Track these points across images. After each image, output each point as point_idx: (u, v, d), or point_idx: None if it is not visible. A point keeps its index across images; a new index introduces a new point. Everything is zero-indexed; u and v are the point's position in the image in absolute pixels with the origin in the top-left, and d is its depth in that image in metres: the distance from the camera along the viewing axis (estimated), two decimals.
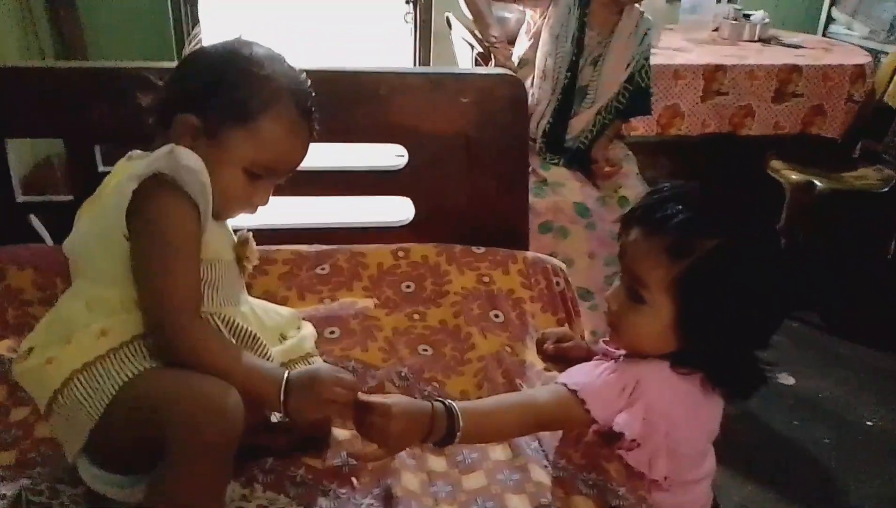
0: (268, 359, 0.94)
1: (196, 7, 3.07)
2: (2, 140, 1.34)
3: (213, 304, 0.92)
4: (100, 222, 0.89)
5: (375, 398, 0.88)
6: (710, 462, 1.01)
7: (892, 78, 2.81)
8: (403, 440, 0.88)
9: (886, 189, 2.68)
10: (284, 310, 1.08)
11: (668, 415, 0.90)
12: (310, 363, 1.01)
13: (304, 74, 0.97)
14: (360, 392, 0.89)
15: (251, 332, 0.94)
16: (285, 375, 0.86)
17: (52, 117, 1.32)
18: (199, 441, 0.77)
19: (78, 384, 0.82)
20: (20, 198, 1.38)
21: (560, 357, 1.22)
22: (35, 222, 1.40)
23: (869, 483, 1.93)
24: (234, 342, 0.91)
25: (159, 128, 0.92)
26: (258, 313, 1.00)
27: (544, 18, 2.15)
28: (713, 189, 0.94)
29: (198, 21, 3.07)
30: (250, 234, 1.01)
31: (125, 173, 0.88)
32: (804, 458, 2.02)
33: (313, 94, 0.97)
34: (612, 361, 0.99)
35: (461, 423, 0.87)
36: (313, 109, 0.96)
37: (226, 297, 0.95)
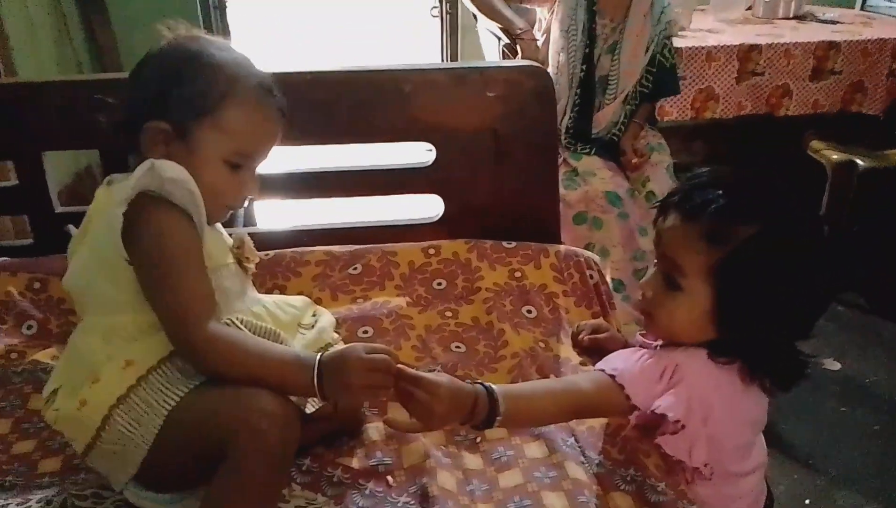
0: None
1: (225, 12, 3.11)
2: (39, 153, 1.37)
3: (225, 310, 0.92)
4: (97, 252, 0.89)
5: (423, 375, 0.86)
6: (759, 455, 0.99)
7: None
8: (446, 420, 0.87)
9: None
10: (297, 300, 1.08)
11: (707, 401, 0.89)
12: None
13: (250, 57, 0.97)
14: (405, 368, 0.87)
15: (270, 329, 0.94)
16: (317, 359, 0.85)
17: (88, 129, 1.35)
18: (261, 449, 0.79)
19: (119, 419, 0.83)
20: (58, 209, 1.42)
21: (596, 349, 1.21)
22: (73, 231, 1.43)
23: None
24: (256, 338, 0.91)
25: (131, 144, 0.91)
26: (271, 309, 1.01)
27: (553, 13, 2.12)
28: (752, 174, 0.92)
29: (228, 26, 3.11)
30: (245, 234, 1.02)
31: (109, 200, 0.88)
32: (853, 445, 1.97)
33: (269, 72, 0.96)
34: (650, 349, 0.97)
35: (502, 407, 0.86)
36: (273, 87, 0.94)
37: (235, 301, 0.95)
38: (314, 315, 1.07)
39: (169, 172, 0.85)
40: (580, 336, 1.23)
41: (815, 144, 2.77)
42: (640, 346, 1.02)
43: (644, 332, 1.05)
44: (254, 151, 0.94)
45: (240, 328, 0.90)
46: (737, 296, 0.86)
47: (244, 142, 0.92)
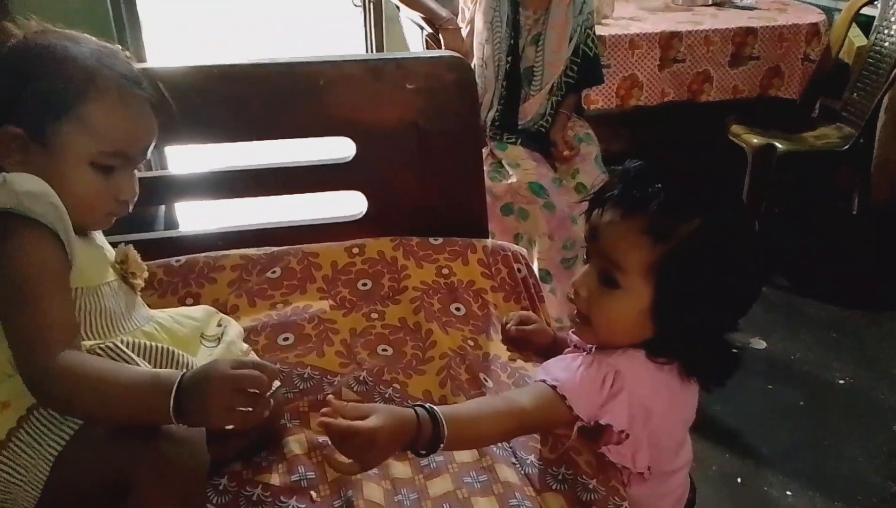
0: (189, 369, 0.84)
1: (134, 4, 2.96)
2: None
3: (108, 333, 0.85)
4: None
5: (360, 425, 0.76)
6: (687, 452, 0.99)
7: (846, 35, 2.80)
8: (386, 455, 0.81)
9: (847, 147, 2.68)
10: (197, 310, 1.01)
11: (647, 405, 0.87)
12: None
13: (112, 44, 0.89)
14: (333, 422, 0.76)
15: (163, 349, 0.86)
16: (177, 379, 0.72)
17: None
18: (168, 478, 0.73)
19: (2, 468, 0.75)
20: None
21: (523, 341, 1.19)
22: None
23: (845, 443, 1.94)
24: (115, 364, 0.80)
25: None
26: (167, 325, 0.93)
27: (476, 4, 2.10)
28: (685, 167, 0.90)
29: (137, 18, 2.96)
30: (129, 247, 0.94)
31: None
32: (780, 423, 2.02)
33: (128, 61, 0.88)
34: (586, 352, 0.95)
35: (446, 431, 0.81)
36: (140, 78, 0.86)
37: (120, 321, 0.88)
38: (220, 325, 1.00)
39: (25, 186, 0.76)
40: (507, 326, 1.21)
41: (736, 128, 2.83)
42: (575, 346, 1.00)
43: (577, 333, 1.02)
44: (123, 150, 0.85)
45: (116, 355, 0.81)
46: (678, 292, 0.84)
47: (111, 141, 0.83)
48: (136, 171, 0.90)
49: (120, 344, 0.83)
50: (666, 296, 0.85)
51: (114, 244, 0.96)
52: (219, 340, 0.97)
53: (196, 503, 0.82)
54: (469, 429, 0.85)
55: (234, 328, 1.01)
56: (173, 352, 0.87)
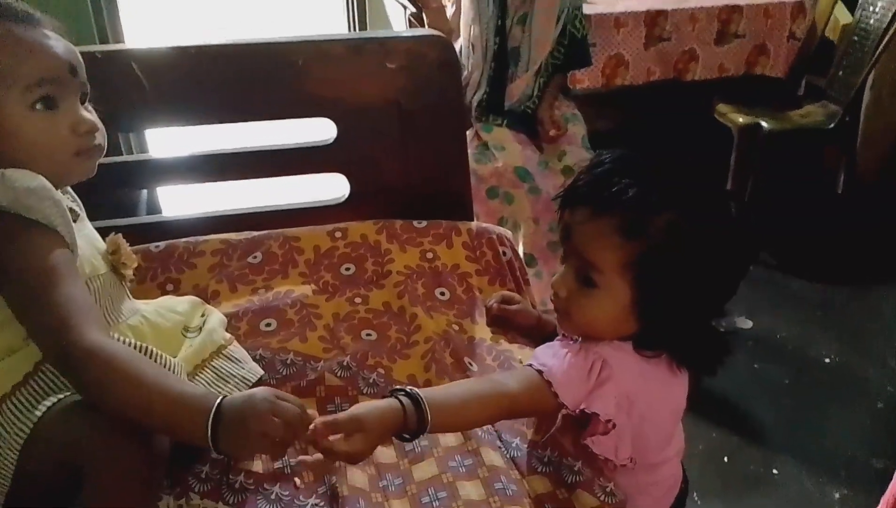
0: (172, 371, 0.84)
1: None
2: None
3: None
4: None
5: (341, 415, 0.77)
6: (678, 442, 0.98)
7: (831, 12, 2.79)
8: (375, 443, 0.80)
9: (832, 125, 2.68)
10: (182, 302, 0.98)
11: (633, 397, 0.86)
12: (226, 357, 0.94)
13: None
14: (319, 420, 0.77)
15: (145, 348, 0.84)
16: (217, 401, 0.72)
17: None
18: (119, 465, 0.71)
19: None
20: None
21: (506, 320, 1.18)
22: None
23: (830, 420, 1.95)
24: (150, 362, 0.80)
25: None
26: (152, 319, 0.91)
27: None
28: (655, 156, 0.87)
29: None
30: (119, 236, 0.92)
31: None
32: (766, 401, 2.03)
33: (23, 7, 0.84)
34: (573, 341, 0.93)
35: (430, 416, 0.80)
36: (28, 14, 0.83)
37: (108, 315, 0.86)
38: (203, 316, 0.99)
39: (22, 182, 0.75)
40: (489, 303, 1.20)
41: (722, 107, 2.82)
42: (564, 335, 0.99)
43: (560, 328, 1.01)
44: (47, 75, 0.80)
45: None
46: (657, 287, 0.83)
47: (29, 73, 0.79)
48: (89, 107, 0.86)
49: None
50: (645, 292, 0.83)
51: (102, 232, 0.94)
52: (200, 329, 0.96)
53: (152, 488, 0.80)
54: (454, 413, 0.84)
55: (216, 317, 0.99)
56: (155, 353, 0.83)
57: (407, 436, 0.82)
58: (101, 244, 0.91)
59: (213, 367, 0.93)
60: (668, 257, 0.81)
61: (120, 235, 0.93)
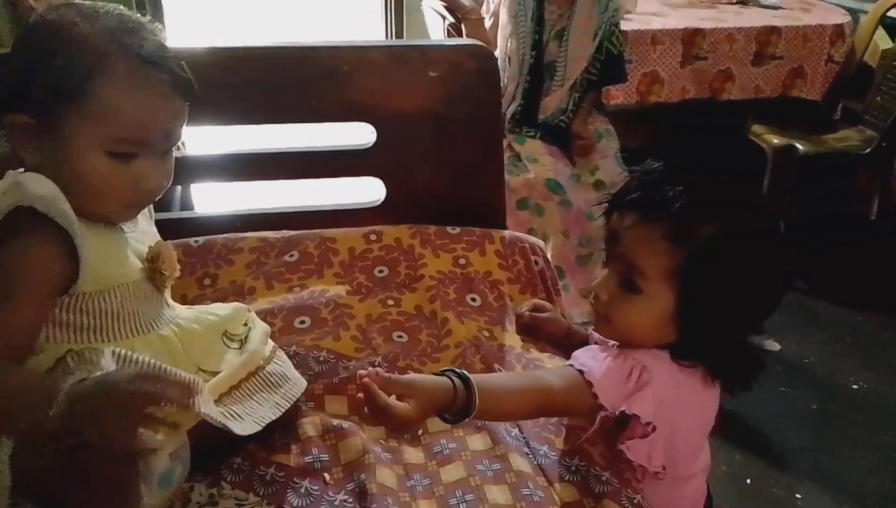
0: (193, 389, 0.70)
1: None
2: None
3: (120, 335, 0.81)
4: None
5: (397, 407, 0.77)
6: (705, 457, 0.98)
7: (871, 37, 2.77)
8: (417, 428, 0.82)
9: (868, 150, 2.65)
10: (223, 308, 0.96)
11: (670, 405, 0.86)
12: (264, 378, 0.92)
13: (140, 18, 0.82)
14: (374, 370, 0.78)
15: (154, 364, 0.74)
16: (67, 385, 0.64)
17: None
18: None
19: None
20: None
21: (536, 328, 1.19)
22: None
23: (856, 447, 1.93)
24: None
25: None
26: (185, 325, 0.89)
27: None
28: (706, 168, 0.88)
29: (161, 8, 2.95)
30: (164, 245, 0.89)
31: None
32: (792, 425, 2.01)
33: (156, 35, 0.81)
34: (611, 348, 0.94)
35: (477, 401, 0.81)
36: (160, 57, 0.79)
37: (136, 323, 0.84)
38: (246, 324, 0.96)
39: (37, 189, 0.74)
40: (520, 310, 1.20)
41: (756, 128, 2.81)
42: (597, 344, 0.99)
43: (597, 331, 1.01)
44: (138, 136, 0.78)
45: (89, 362, 0.75)
46: (701, 297, 0.83)
47: (124, 127, 0.77)
48: (171, 154, 0.84)
49: (105, 352, 0.75)
50: (688, 301, 0.84)
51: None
52: (242, 342, 0.94)
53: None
54: (497, 402, 0.85)
55: (259, 331, 0.96)
56: (167, 370, 0.72)
57: (450, 417, 0.82)
58: (143, 249, 0.87)
59: (256, 381, 0.91)
60: (714, 266, 0.82)
61: (167, 243, 0.90)
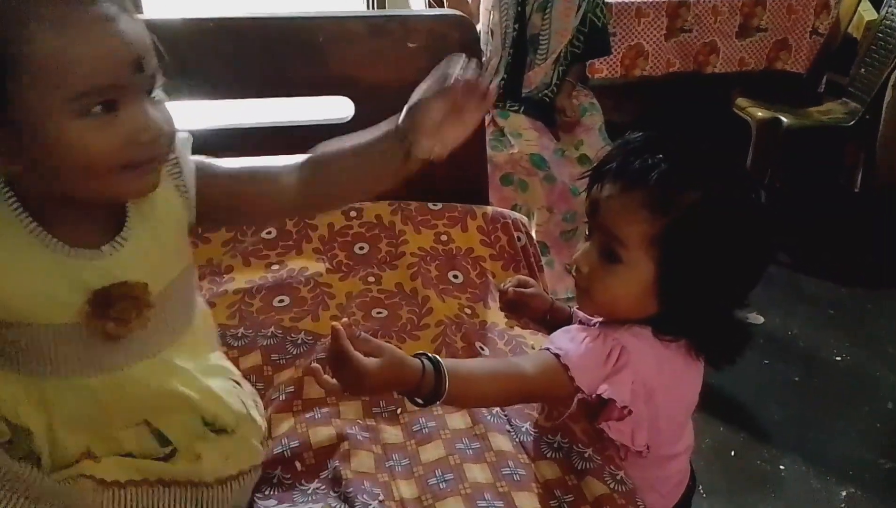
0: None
1: None
2: None
3: (21, 371, 0.71)
4: None
5: (359, 359, 0.73)
6: (689, 437, 0.97)
7: (856, 9, 2.75)
8: (372, 394, 0.79)
9: (852, 123, 2.65)
10: (218, 383, 0.84)
11: (650, 384, 0.85)
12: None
13: None
14: (346, 321, 0.73)
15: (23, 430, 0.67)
16: None
17: None
18: None
19: None
20: None
21: (520, 304, 1.17)
22: None
23: (840, 420, 1.94)
24: None
25: None
26: (138, 378, 0.74)
27: None
28: (687, 137, 0.86)
29: None
30: (135, 285, 0.71)
31: None
32: (775, 397, 2.02)
33: None
34: (592, 326, 0.92)
35: (448, 386, 0.78)
36: None
37: (50, 366, 0.71)
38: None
39: None
40: (504, 286, 1.18)
41: (741, 101, 2.80)
42: (580, 322, 0.97)
43: (579, 307, 1.00)
44: (102, 81, 0.62)
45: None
46: (681, 265, 0.82)
47: (79, 78, 0.61)
48: (160, 98, 0.69)
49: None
50: (669, 270, 0.82)
51: None
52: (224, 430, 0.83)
53: None
54: (469, 388, 0.82)
55: (240, 439, 0.84)
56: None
57: (420, 401, 0.80)
58: (94, 282, 0.70)
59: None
60: (694, 234, 0.80)
61: (146, 284, 0.72)
